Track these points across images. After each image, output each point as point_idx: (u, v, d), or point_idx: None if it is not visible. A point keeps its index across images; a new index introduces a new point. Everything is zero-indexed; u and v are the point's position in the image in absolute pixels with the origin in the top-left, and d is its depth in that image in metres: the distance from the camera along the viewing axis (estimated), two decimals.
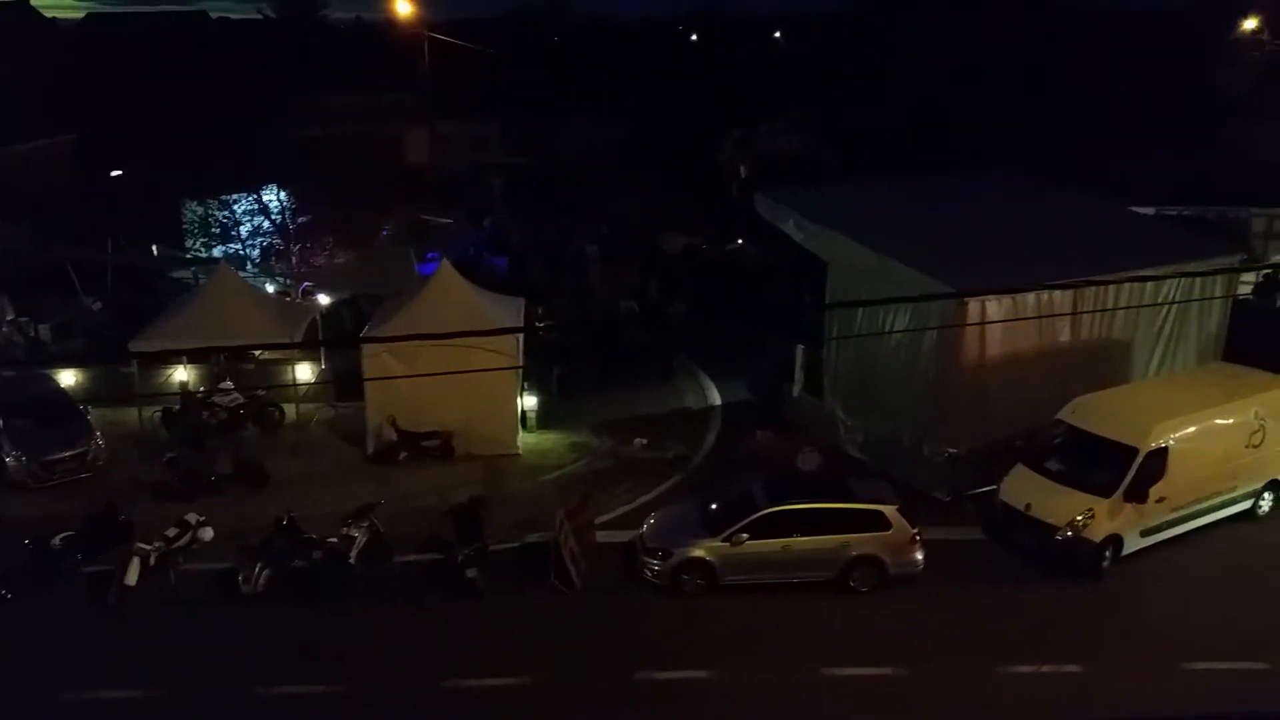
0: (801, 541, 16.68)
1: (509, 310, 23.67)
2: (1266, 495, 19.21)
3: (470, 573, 16.59)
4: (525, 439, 22.68)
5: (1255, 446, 18.63)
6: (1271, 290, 27.20)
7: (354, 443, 22.35)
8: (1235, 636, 15.48)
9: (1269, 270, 28.75)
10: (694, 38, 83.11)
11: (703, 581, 16.73)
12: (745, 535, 16.64)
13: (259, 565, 16.53)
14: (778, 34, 77.80)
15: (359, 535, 17.14)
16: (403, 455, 21.56)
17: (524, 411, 23.10)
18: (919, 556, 16.99)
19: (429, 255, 30.60)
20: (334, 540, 17.05)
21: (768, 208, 24.29)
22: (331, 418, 23.99)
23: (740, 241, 36.23)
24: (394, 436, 21.59)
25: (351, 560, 16.88)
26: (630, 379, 25.81)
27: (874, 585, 16.82)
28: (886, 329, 20.72)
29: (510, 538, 18.28)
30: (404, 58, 43.69)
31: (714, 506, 17.67)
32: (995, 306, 19.29)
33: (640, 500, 20.02)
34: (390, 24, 48.66)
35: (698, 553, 16.73)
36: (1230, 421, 18.47)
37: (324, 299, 28.36)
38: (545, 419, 23.54)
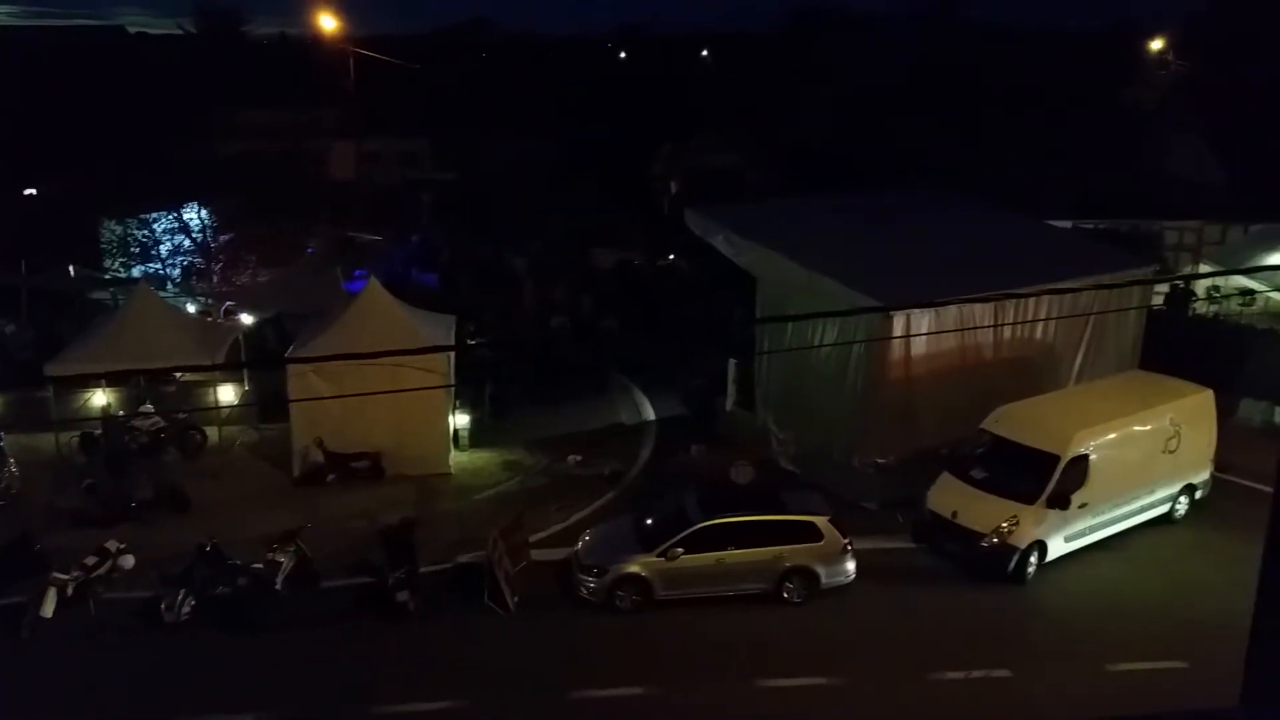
0: (736, 554, 16.75)
1: (439, 328, 23.43)
2: (1182, 499, 19.85)
3: (401, 596, 16.31)
4: (457, 458, 22.44)
5: (1171, 452, 19.24)
6: (1183, 300, 28.19)
7: (279, 466, 21.86)
8: (1156, 636, 15.92)
9: (1180, 281, 29.81)
10: (623, 55, 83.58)
11: (638, 598, 16.69)
12: (680, 550, 16.65)
13: (182, 593, 16.05)
14: (705, 52, 78.59)
15: (285, 560, 16.76)
16: (330, 477, 21.16)
17: (456, 430, 22.86)
18: (850, 566, 17.20)
19: (356, 273, 30.19)
20: (259, 566, 16.65)
21: (699, 224, 24.48)
22: (256, 440, 23.44)
23: (672, 257, 36.44)
24: (321, 458, 21.19)
25: (278, 586, 16.49)
26: (564, 395, 25.73)
27: (807, 596, 16.96)
28: (815, 343, 21.00)
29: (442, 559, 18.03)
30: (330, 73, 43.13)
31: (649, 522, 17.66)
32: (920, 320, 19.68)
33: (575, 517, 19.92)
34: (315, 40, 47.97)
35: (633, 569, 16.69)
36: (1148, 428, 19.06)
37: (247, 319, 27.79)
38: (478, 437, 23.32)
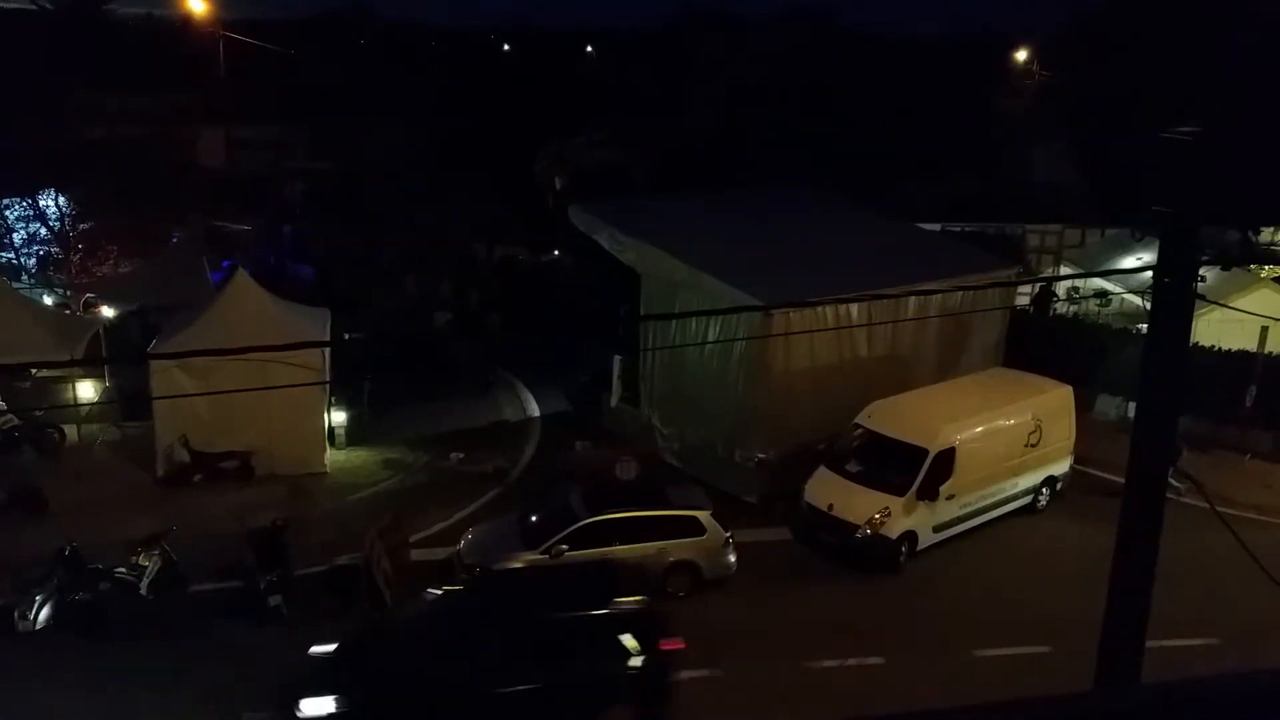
0: (621, 550, 16.77)
1: (313, 322, 22.72)
2: (1045, 490, 20.81)
3: (273, 600, 15.77)
4: (333, 457, 21.83)
5: (1034, 445, 20.17)
6: (1045, 301, 29.57)
7: (143, 465, 20.86)
8: (1021, 623, 16.66)
9: (1043, 283, 31.29)
10: (506, 48, 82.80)
11: None
12: (565, 547, 16.59)
13: (38, 600, 15.16)
14: (590, 47, 78.57)
15: (150, 564, 16.03)
16: (197, 477, 20.32)
17: (332, 428, 22.23)
18: (732, 559, 17.46)
19: (224, 264, 29.01)
20: (122, 571, 15.88)
21: (583, 220, 24.43)
22: (117, 439, 22.30)
23: (557, 253, 36.28)
24: (187, 458, 20.32)
25: (142, 591, 15.76)
26: (447, 392, 25.32)
27: (690, 590, 17.13)
28: (698, 340, 21.23)
29: (317, 561, 17.50)
30: (199, 57, 41.32)
31: (533, 519, 17.54)
32: (798, 318, 20.11)
33: (457, 516, 19.64)
34: (185, 22, 45.86)
35: (516, 567, 16.53)
36: (1011, 422, 19.93)
37: (108, 311, 26.38)
38: (356, 435, 22.73)
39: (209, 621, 15.84)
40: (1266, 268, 26.49)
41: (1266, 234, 36.97)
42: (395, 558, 16.74)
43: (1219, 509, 9.69)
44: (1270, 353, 23.39)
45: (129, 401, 22.22)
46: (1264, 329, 22.42)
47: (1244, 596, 14.44)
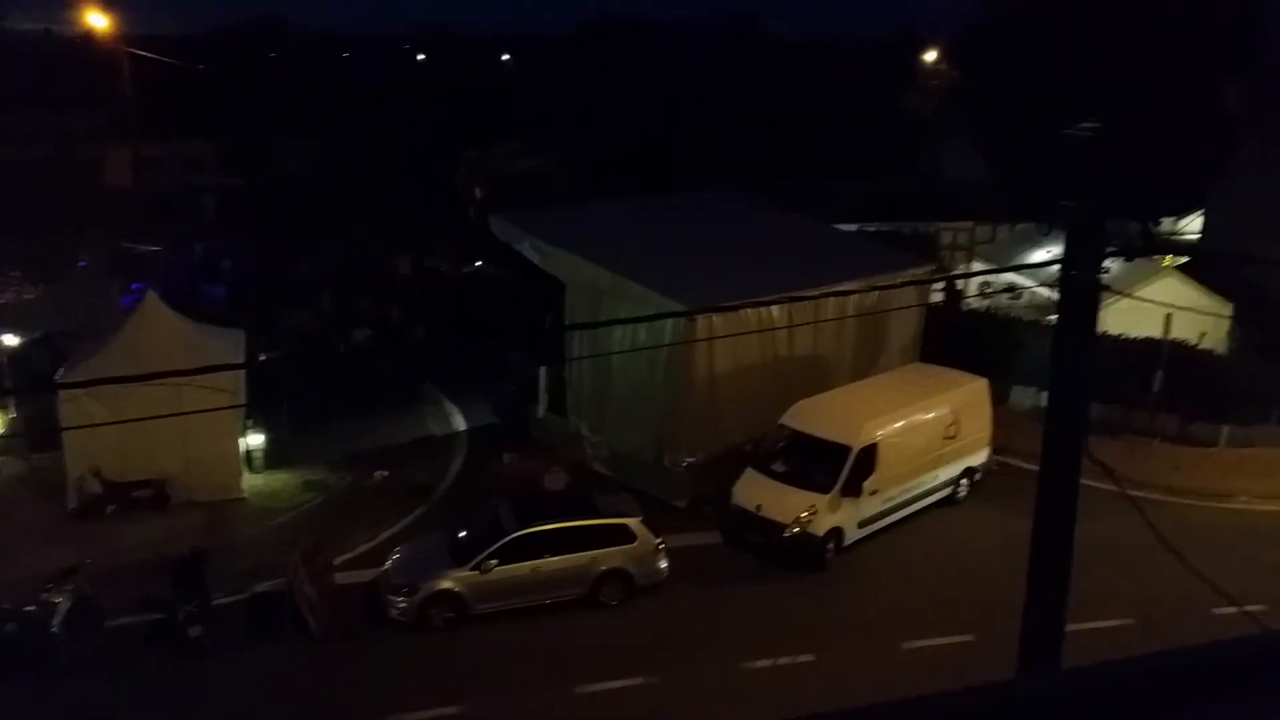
0: (552, 562, 16.69)
1: (228, 343, 22.11)
2: (963, 482, 21.26)
3: (194, 631, 15.29)
4: (252, 481, 21.26)
5: (951, 438, 20.60)
6: (957, 297, 30.25)
7: (52, 498, 20.05)
8: (945, 613, 16.97)
9: (956, 279, 32.01)
10: (421, 57, 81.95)
11: (452, 614, 16.32)
12: (495, 561, 16.42)
13: None
14: (506, 56, 78.21)
15: (62, 600, 15.37)
16: (110, 508, 19.59)
17: (249, 451, 21.66)
18: (663, 565, 17.47)
19: (133, 286, 28.09)
20: (32, 608, 15.20)
21: (504, 230, 24.26)
22: (24, 471, 21.41)
23: (479, 263, 35.95)
24: (99, 488, 19.58)
25: (54, 629, 15.10)
26: (369, 409, 24.86)
27: (622, 598, 17.10)
28: (624, 346, 21.21)
29: (238, 589, 16.97)
30: (103, 74, 40.03)
31: (461, 535, 17.32)
32: (721, 321, 20.21)
33: (383, 536, 19.27)
34: (86, 38, 44.38)
35: (446, 584, 16.32)
36: (930, 416, 20.33)
37: (12, 339, 25.33)
38: (275, 457, 22.14)
39: (127, 656, 15.27)
40: (1169, 258, 27.45)
41: (1167, 225, 38.40)
42: (319, 582, 16.36)
43: (1130, 492, 9.99)
44: (1175, 339, 24.27)
45: (36, 432, 21.37)
46: (1168, 316, 23.23)
47: (1156, 577, 14.92)
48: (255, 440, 21.83)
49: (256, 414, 22.12)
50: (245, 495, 20.72)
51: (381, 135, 52.79)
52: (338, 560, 17.60)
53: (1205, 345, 25.32)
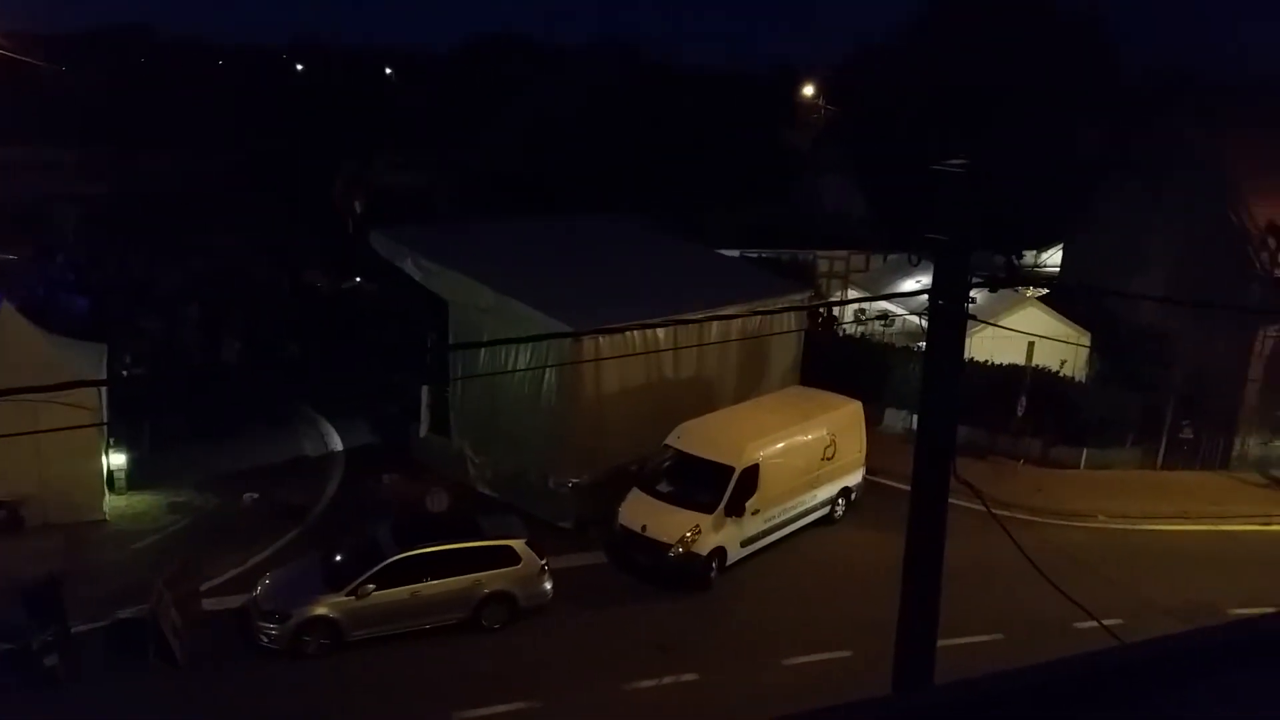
0: (432, 585, 16.37)
1: (89, 357, 21.01)
2: (840, 501, 21.86)
3: (49, 660, 14.40)
4: (114, 502, 20.24)
5: (829, 459, 21.17)
6: (834, 323, 31.16)
7: None
8: (824, 629, 17.37)
9: (833, 306, 32.97)
10: (299, 67, 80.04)
11: (326, 641, 15.83)
12: (372, 586, 16.00)
13: None
14: (389, 70, 77.08)
15: None
16: None
17: (111, 471, 20.62)
18: (548, 587, 17.35)
19: None
20: None
21: (385, 246, 23.82)
22: None
23: (358, 280, 35.16)
24: None
25: None
26: (239, 428, 23.98)
27: (505, 621, 16.90)
28: (509, 367, 21.07)
29: (99, 615, 16.12)
30: None
31: (337, 559, 16.84)
32: (607, 343, 20.32)
33: (253, 560, 18.55)
34: None
35: (319, 610, 15.81)
36: (809, 438, 20.85)
37: None
38: (139, 478, 21.13)
39: None
40: (1031, 289, 28.93)
41: (1030, 258, 40.45)
42: (185, 608, 15.64)
43: (995, 512, 10.46)
44: (1037, 366, 25.56)
45: None
46: (1030, 344, 24.46)
47: (1021, 593, 15.64)
48: (118, 460, 20.80)
49: (119, 432, 21.08)
50: (107, 517, 19.71)
51: (255, 146, 51.26)
52: (205, 585, 16.90)
53: (1066, 373, 26.79)
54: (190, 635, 15.41)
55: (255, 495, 21.11)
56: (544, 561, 17.33)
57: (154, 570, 16.51)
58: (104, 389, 20.12)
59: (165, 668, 15.04)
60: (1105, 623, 9.40)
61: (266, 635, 15.72)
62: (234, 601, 16.80)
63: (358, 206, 47.20)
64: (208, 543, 19.02)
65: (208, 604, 16.52)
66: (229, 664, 15.51)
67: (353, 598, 15.90)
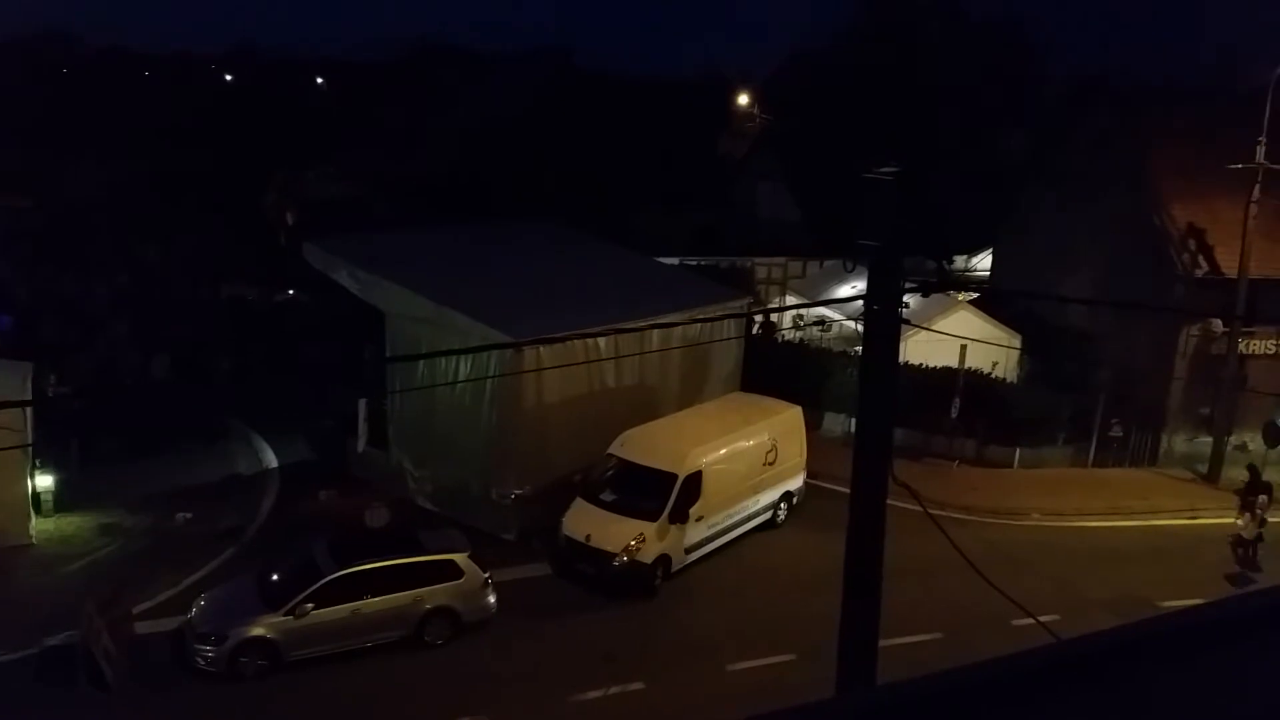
0: (373, 603, 16.13)
1: (12, 377, 20.30)
2: (782, 505, 22.04)
3: None
4: (41, 526, 19.60)
5: (771, 464, 21.34)
6: (773, 329, 31.48)
7: None
8: (769, 633, 17.47)
9: (771, 312, 33.30)
10: (229, 77, 78.63)
11: (265, 662, 15.51)
12: (310, 605, 15.72)
13: None
14: (320, 79, 76.07)
15: None
16: None
17: (38, 493, 19.97)
18: (491, 600, 17.21)
19: None
20: None
21: (319, 257, 23.47)
22: None
23: (291, 292, 34.59)
24: None
25: None
26: (171, 446, 23.39)
27: (448, 636, 16.71)
28: (449, 378, 20.87)
29: (25, 644, 15.60)
30: None
31: (274, 578, 16.51)
32: (548, 353, 20.22)
33: (188, 581, 18.10)
34: None
35: (257, 631, 15.49)
36: (750, 443, 21.00)
37: None
38: (68, 500, 20.50)
39: None
40: (962, 293, 29.49)
41: (960, 263, 41.26)
42: (117, 632, 15.21)
43: (932, 512, 10.63)
44: (970, 369, 26.07)
45: None
46: (963, 347, 24.93)
47: (959, 592, 15.89)
48: (44, 481, 20.16)
49: (46, 453, 20.44)
50: (34, 541, 19.10)
51: (183, 157, 50.18)
52: (138, 608, 16.46)
53: (998, 374, 27.35)
54: (123, 659, 14.99)
55: (189, 515, 20.61)
56: (487, 575, 17.18)
57: (84, 595, 16.01)
58: (29, 408, 19.51)
59: (97, 694, 14.59)
60: (1041, 619, 9.60)
61: (203, 657, 15.36)
62: (169, 624, 16.40)
63: (289, 218, 46.45)
64: (141, 565, 18.54)
65: (141, 627, 16.09)
66: (164, 688, 15.12)
67: (291, 617, 15.60)
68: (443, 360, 20.75)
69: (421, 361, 21.33)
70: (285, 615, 15.60)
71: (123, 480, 21.72)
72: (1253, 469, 21.55)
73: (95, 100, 55.98)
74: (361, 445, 23.41)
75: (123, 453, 22.64)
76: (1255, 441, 25.88)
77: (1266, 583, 20.81)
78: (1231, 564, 20.71)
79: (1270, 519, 20.84)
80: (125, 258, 35.30)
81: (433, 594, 16.57)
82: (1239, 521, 20.78)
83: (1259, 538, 20.51)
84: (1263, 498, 20.56)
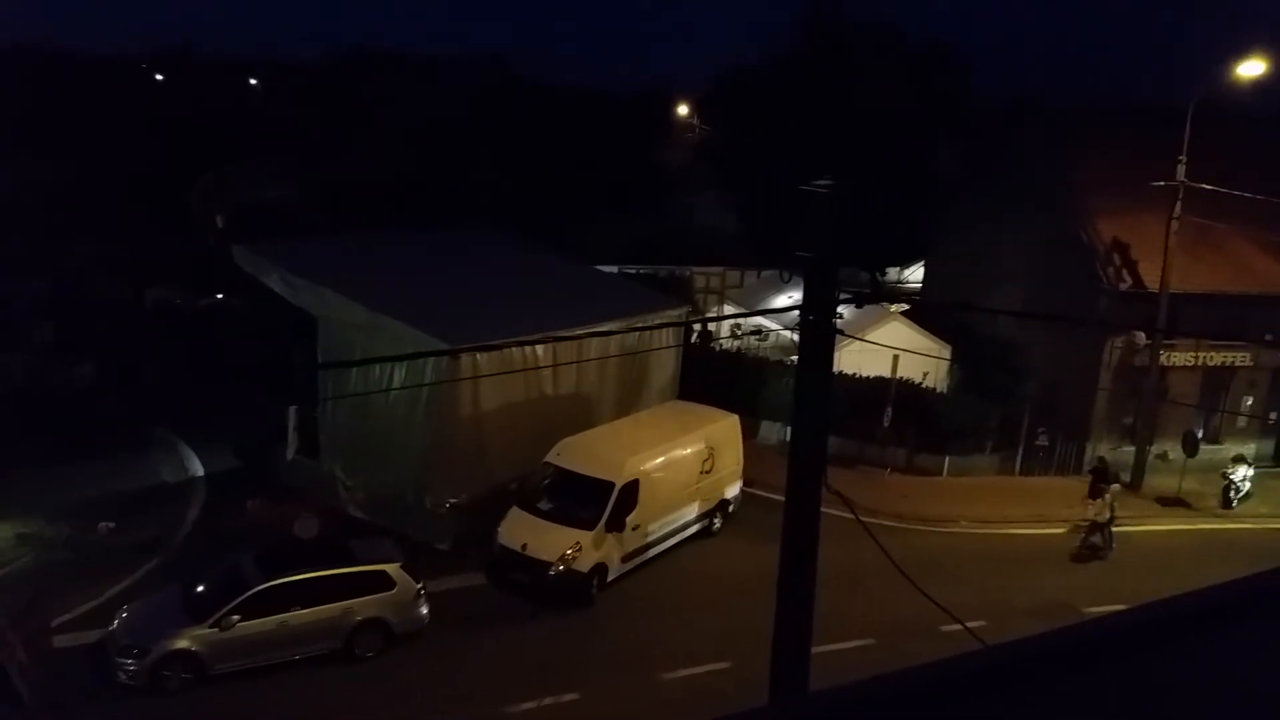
0: (301, 615, 15.80)
1: None
2: (719, 513, 22.12)
3: None
4: None
5: (707, 473, 21.41)
6: (711, 338, 31.65)
7: None
8: (704, 641, 17.47)
9: (709, 321, 33.46)
10: (159, 77, 76.82)
11: (189, 675, 15.09)
12: (236, 617, 15.34)
13: None
14: (254, 80, 74.75)
15: None
16: None
17: None
18: (424, 611, 16.97)
19: None
20: None
21: (249, 261, 22.99)
22: None
23: (220, 296, 33.84)
24: None
25: None
26: (91, 453, 22.66)
27: (380, 649, 16.43)
28: (383, 385, 20.55)
29: None
30: None
31: (199, 589, 16.07)
32: (485, 360, 20.07)
33: (109, 593, 17.52)
34: None
35: (181, 644, 15.08)
36: (688, 452, 21.04)
37: None
38: None
39: None
40: (895, 304, 29.99)
41: (893, 274, 41.95)
42: (33, 646, 14.66)
43: (864, 519, 10.75)
44: (902, 378, 26.49)
45: None
46: (895, 357, 25.35)
47: (890, 598, 16.08)
48: None
49: None
50: None
51: (109, 156, 48.87)
52: (56, 621, 15.91)
53: (928, 384, 27.85)
54: (39, 674, 14.45)
55: (111, 524, 19.98)
56: (420, 585, 16.94)
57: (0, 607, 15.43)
58: None
59: (10, 712, 14.04)
60: (969, 625, 9.74)
61: (125, 671, 14.89)
62: (90, 637, 15.86)
63: (220, 220, 45.49)
64: (60, 576, 17.90)
65: (60, 640, 15.60)
66: (83, 703, 14.60)
67: (216, 629, 15.22)
68: (377, 367, 20.43)
69: (354, 368, 20.97)
70: (210, 627, 15.21)
71: (43, 489, 20.95)
72: (1102, 460, 24.78)
73: (14, 99, 54.22)
74: (291, 453, 22.97)
75: (43, 461, 21.85)
76: (1175, 450, 26.75)
77: (1114, 560, 21.93)
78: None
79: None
80: (48, 260, 34.19)
81: (364, 605, 16.28)
82: (1090, 508, 22.67)
83: (1110, 520, 22.30)
84: (1115, 486, 23.68)
